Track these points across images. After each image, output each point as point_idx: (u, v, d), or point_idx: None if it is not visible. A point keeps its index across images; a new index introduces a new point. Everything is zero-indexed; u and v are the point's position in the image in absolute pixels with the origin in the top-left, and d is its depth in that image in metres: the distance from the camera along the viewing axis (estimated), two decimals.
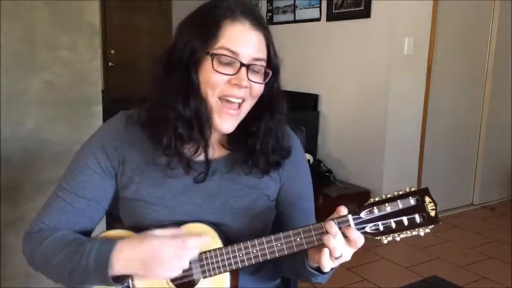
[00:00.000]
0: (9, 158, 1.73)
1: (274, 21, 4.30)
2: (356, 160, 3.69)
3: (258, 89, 0.96)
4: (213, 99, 0.93)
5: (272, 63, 0.97)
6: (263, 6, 4.42)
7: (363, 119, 3.61)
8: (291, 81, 4.49)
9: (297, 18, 4.08)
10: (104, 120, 1.86)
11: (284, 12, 4.19)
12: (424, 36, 3.45)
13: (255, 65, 0.93)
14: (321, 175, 3.66)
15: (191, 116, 0.93)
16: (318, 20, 3.87)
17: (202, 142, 0.96)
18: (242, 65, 0.91)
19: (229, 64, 0.92)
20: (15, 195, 1.76)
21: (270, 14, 4.34)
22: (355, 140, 3.68)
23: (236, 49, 0.91)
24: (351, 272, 2.75)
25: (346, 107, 3.74)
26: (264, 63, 0.95)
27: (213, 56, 0.91)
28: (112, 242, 0.91)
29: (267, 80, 0.97)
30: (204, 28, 0.92)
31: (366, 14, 3.46)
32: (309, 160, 3.71)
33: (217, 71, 0.91)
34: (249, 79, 0.92)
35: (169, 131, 0.94)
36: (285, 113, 1.03)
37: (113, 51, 5.00)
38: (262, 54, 0.95)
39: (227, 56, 0.91)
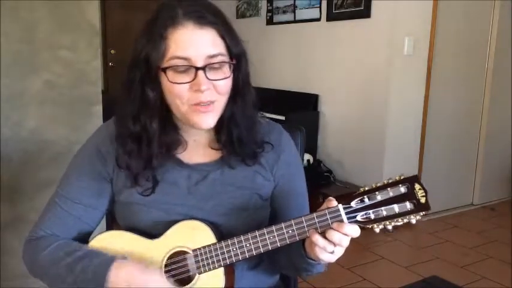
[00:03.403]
0: (9, 158, 1.73)
1: (274, 21, 4.30)
2: (356, 160, 3.68)
3: (223, 85, 0.92)
4: (184, 107, 0.92)
5: (232, 53, 0.93)
6: (263, 6, 4.42)
7: (362, 119, 3.61)
8: (291, 81, 4.51)
9: (297, 18, 4.08)
10: (104, 120, 1.87)
11: (284, 12, 4.19)
12: (424, 36, 3.45)
13: (212, 63, 0.90)
14: (321, 175, 3.66)
15: (140, 132, 0.95)
16: (318, 20, 3.87)
17: (150, 158, 0.96)
18: (197, 69, 0.88)
19: (185, 71, 0.89)
20: (15, 195, 1.77)
21: (270, 14, 4.34)
22: (355, 140, 3.68)
23: (186, 54, 0.88)
24: (351, 272, 2.75)
25: (346, 107, 3.73)
26: (223, 58, 0.91)
27: (165, 69, 0.89)
28: (108, 262, 0.92)
29: (230, 73, 0.93)
30: (151, 43, 0.90)
31: (366, 14, 3.46)
32: (308, 160, 3.71)
33: (174, 82, 0.90)
34: (209, 79, 0.90)
35: (121, 145, 0.97)
36: (252, 102, 1.00)
37: (113, 51, 5.00)
38: (217, 49, 0.90)
39: (179, 65, 0.89)
